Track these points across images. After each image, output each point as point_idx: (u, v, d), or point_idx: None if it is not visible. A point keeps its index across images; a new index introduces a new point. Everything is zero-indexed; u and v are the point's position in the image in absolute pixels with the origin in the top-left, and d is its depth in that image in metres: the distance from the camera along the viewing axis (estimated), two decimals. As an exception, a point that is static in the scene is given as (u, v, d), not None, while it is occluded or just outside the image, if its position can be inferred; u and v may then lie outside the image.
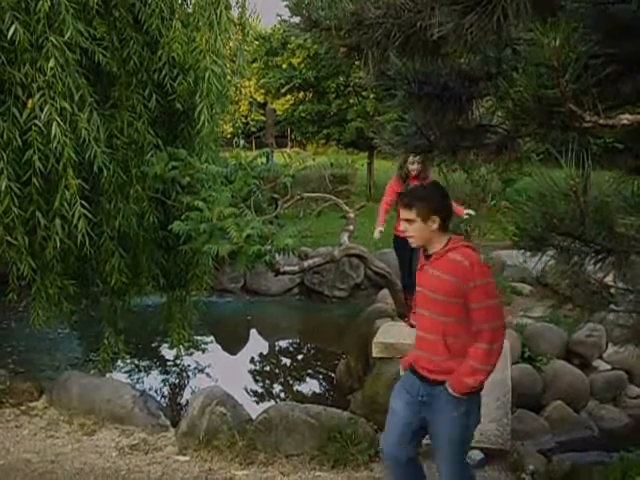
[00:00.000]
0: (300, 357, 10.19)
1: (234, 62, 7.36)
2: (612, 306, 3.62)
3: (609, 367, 7.45)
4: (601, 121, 2.29)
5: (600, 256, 2.85)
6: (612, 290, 3.53)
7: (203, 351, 9.67)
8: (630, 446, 5.18)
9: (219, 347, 10.17)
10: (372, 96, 20.12)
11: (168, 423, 5.98)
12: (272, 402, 7.60)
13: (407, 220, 3.54)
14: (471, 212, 7.84)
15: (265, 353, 10.24)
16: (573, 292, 3.54)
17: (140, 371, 8.73)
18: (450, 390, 3.48)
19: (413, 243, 3.62)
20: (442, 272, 3.47)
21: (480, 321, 3.38)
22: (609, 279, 3.38)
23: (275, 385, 8.84)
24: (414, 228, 3.53)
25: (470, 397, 3.52)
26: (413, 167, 6.92)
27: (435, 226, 3.50)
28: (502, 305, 3.55)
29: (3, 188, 5.47)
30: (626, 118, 2.30)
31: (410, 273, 6.80)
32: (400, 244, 6.99)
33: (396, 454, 3.75)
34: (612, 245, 2.75)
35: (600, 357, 7.54)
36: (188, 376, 8.78)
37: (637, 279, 3.36)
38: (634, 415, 6.99)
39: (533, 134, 2.76)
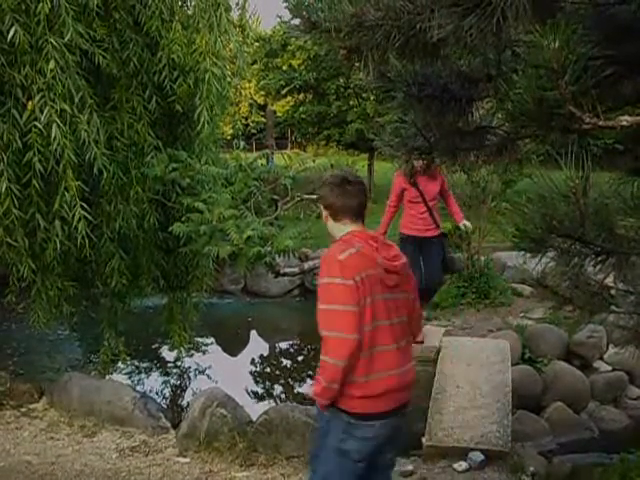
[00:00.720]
0: (300, 358, 10.19)
1: (234, 64, 7.37)
2: (613, 307, 3.61)
3: (610, 368, 7.45)
4: (601, 122, 2.29)
5: (600, 257, 2.85)
6: (612, 291, 3.52)
7: (204, 353, 9.67)
8: (631, 447, 5.17)
9: (219, 348, 10.17)
10: (372, 98, 20.13)
11: (168, 425, 5.98)
12: (272, 403, 7.60)
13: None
14: (468, 225, 7.85)
15: (265, 354, 10.25)
16: (573, 293, 3.52)
17: (141, 373, 8.73)
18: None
19: None
20: None
21: (320, 326, 3.07)
22: (609, 280, 3.38)
23: (275, 386, 8.85)
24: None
25: (329, 411, 3.15)
26: (419, 162, 6.76)
27: (329, 220, 3.30)
28: (345, 315, 2.97)
29: (3, 190, 5.46)
30: (625, 119, 2.30)
31: (421, 276, 6.68)
32: (406, 243, 6.96)
33: None
34: (612, 247, 2.75)
35: (601, 358, 7.54)
36: (189, 378, 8.79)
37: (637, 280, 3.35)
38: (634, 416, 6.99)
39: (533, 136, 2.76)
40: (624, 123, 2.29)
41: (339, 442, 3.09)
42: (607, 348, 7.55)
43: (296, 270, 7.79)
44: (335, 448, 3.10)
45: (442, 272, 7.05)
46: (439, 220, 7.29)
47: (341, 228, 3.22)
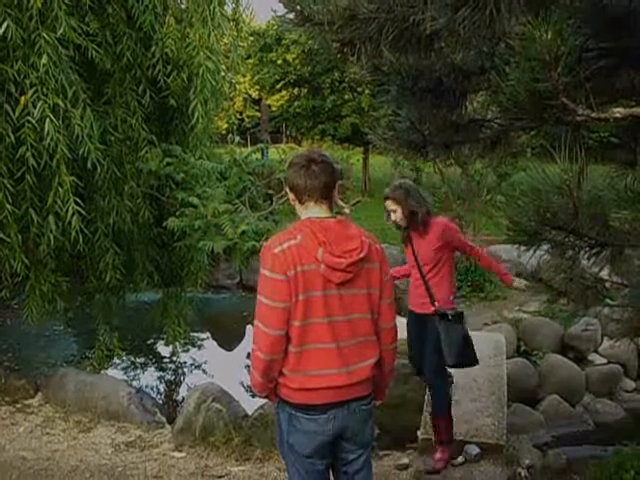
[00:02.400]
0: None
1: (228, 58, 7.35)
2: (607, 300, 3.61)
3: (604, 361, 7.47)
4: (593, 114, 2.29)
5: (594, 250, 2.85)
6: (607, 284, 3.53)
7: (199, 347, 9.67)
8: (625, 440, 5.19)
9: (215, 343, 10.17)
10: (367, 92, 20.12)
11: (164, 420, 5.98)
12: (268, 398, 7.59)
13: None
14: (519, 284, 6.14)
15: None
16: (568, 286, 3.52)
17: (136, 368, 8.72)
18: None
19: None
20: None
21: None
22: (604, 273, 3.38)
23: (271, 381, 8.84)
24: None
25: (277, 403, 3.09)
26: (396, 216, 4.86)
27: (296, 203, 3.11)
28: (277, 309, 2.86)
29: (-4, 185, 5.45)
30: (619, 111, 2.30)
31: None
32: (409, 319, 5.39)
33: None
34: (606, 239, 2.76)
35: (595, 351, 7.56)
36: (184, 373, 8.78)
37: (632, 273, 3.36)
38: (629, 409, 7.02)
39: (526, 128, 2.76)
40: (617, 115, 2.29)
41: (287, 434, 3.03)
42: (602, 341, 7.57)
43: (291, 264, 7.77)
44: (285, 441, 3.05)
45: (437, 365, 4.95)
46: (440, 293, 4.94)
47: (304, 212, 3.04)
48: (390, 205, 4.80)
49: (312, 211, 3.00)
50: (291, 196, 3.07)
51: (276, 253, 2.84)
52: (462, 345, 4.89)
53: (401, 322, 6.36)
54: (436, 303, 4.90)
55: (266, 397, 3.12)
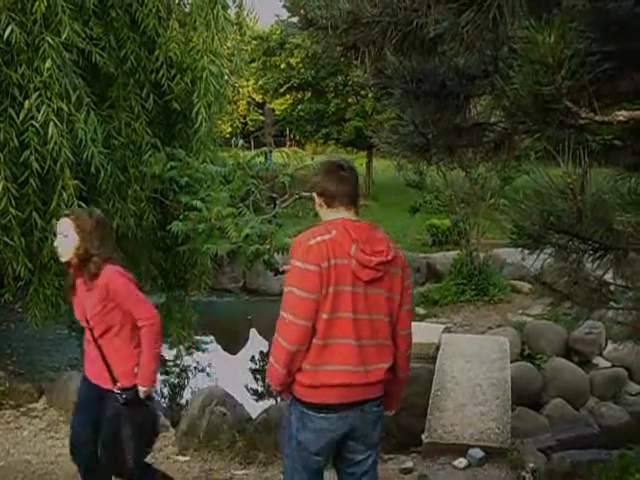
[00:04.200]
0: (300, 356, 10.17)
1: (232, 62, 7.35)
2: (611, 303, 3.61)
3: (609, 364, 7.45)
4: (597, 118, 2.28)
5: (598, 254, 2.84)
6: (611, 287, 3.52)
7: (203, 351, 9.67)
8: (630, 443, 5.17)
9: (219, 347, 10.17)
10: (370, 95, 20.12)
11: (168, 423, 5.97)
12: (272, 402, 7.59)
13: None
14: None
15: (265, 352, 10.23)
16: (572, 290, 3.51)
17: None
18: None
19: None
20: None
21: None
22: (608, 277, 3.38)
23: (275, 385, 8.83)
24: None
25: (290, 399, 3.09)
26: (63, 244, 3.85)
27: (323, 207, 3.17)
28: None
29: (0, 189, 5.45)
30: (622, 115, 2.30)
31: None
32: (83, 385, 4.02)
33: None
34: (610, 242, 2.75)
35: (600, 354, 7.54)
36: (188, 376, 8.79)
37: (636, 276, 3.35)
38: (634, 412, 6.99)
39: (530, 131, 2.75)
40: (620, 118, 2.29)
41: (296, 431, 3.03)
42: (606, 344, 7.55)
43: (295, 268, 7.76)
44: (294, 437, 3.05)
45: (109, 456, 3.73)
46: (121, 369, 3.70)
47: (334, 215, 3.06)
48: (63, 226, 3.71)
49: (343, 215, 3.05)
50: (319, 200, 3.10)
51: (311, 245, 2.90)
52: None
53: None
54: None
55: (280, 393, 3.13)
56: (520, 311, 8.47)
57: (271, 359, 3.00)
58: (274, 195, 7.60)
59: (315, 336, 2.90)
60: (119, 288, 3.68)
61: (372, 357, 3.00)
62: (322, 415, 2.97)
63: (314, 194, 3.15)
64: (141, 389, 3.71)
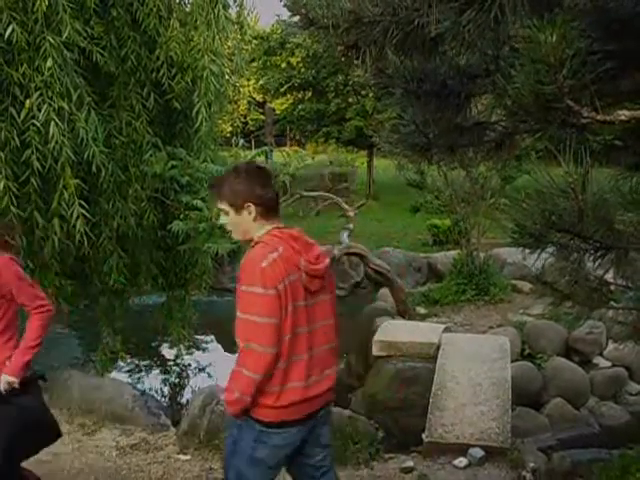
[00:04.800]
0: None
1: (232, 61, 7.36)
2: (612, 303, 3.61)
3: (609, 364, 7.44)
4: (599, 117, 2.28)
5: (599, 253, 2.84)
6: (612, 287, 3.52)
7: (203, 350, 9.67)
8: (631, 443, 5.17)
9: (219, 346, 10.17)
10: (371, 95, 20.12)
11: (169, 422, 5.98)
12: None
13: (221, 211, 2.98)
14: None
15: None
16: (573, 289, 3.50)
17: (140, 371, 8.73)
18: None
19: (233, 239, 3.11)
20: None
21: (236, 334, 2.90)
22: (609, 276, 3.37)
23: (275, 384, 8.84)
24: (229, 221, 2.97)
25: (242, 419, 2.91)
26: None
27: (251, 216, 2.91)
28: (266, 325, 2.78)
29: (1, 188, 5.46)
30: (624, 114, 2.30)
31: None
32: None
33: None
34: (611, 242, 2.75)
35: (600, 354, 7.54)
36: (188, 375, 8.79)
37: (637, 276, 3.35)
38: (634, 412, 6.99)
39: (531, 131, 2.75)
40: (622, 118, 2.29)
41: (251, 450, 2.91)
42: (607, 344, 7.55)
43: (295, 267, 7.78)
44: (248, 456, 2.93)
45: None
46: None
47: (261, 226, 2.89)
48: None
49: (270, 224, 2.90)
50: (254, 214, 2.87)
51: (264, 267, 2.73)
52: None
53: (398, 324, 6.34)
54: None
55: (237, 417, 2.94)
56: (521, 311, 8.45)
57: (238, 392, 2.82)
58: (275, 194, 7.61)
59: (279, 359, 2.80)
60: (10, 277, 3.75)
61: (325, 363, 2.99)
62: (282, 431, 2.90)
63: (248, 205, 2.87)
64: (4, 377, 3.62)
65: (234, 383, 2.84)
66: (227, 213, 2.91)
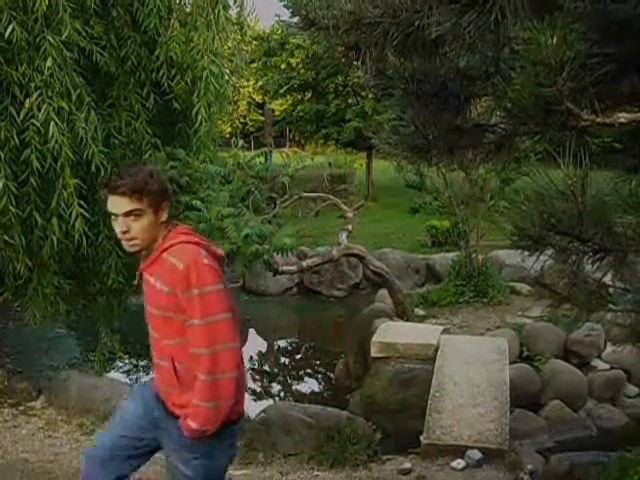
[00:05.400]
0: (299, 357, 10.19)
1: (232, 62, 7.35)
2: (610, 306, 3.61)
3: (607, 366, 7.45)
4: (598, 119, 2.29)
5: (598, 255, 2.85)
6: (610, 289, 3.52)
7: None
8: (629, 446, 5.17)
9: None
10: (370, 96, 20.12)
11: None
12: (271, 402, 7.59)
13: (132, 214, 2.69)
14: None
15: (264, 352, 10.24)
16: (571, 292, 3.51)
17: (138, 371, 8.72)
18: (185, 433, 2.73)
19: (135, 247, 2.77)
20: (158, 279, 2.73)
21: (196, 343, 2.64)
22: (607, 278, 3.38)
23: (274, 384, 8.84)
24: (142, 225, 2.71)
25: (212, 436, 2.72)
26: None
27: (165, 217, 2.78)
28: (232, 322, 2.71)
29: (0, 187, 5.45)
30: (623, 116, 2.30)
31: None
32: None
33: (99, 465, 3.01)
34: (610, 244, 2.75)
35: (598, 356, 7.54)
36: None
37: (635, 278, 3.36)
38: (633, 414, 6.99)
39: (531, 133, 2.76)
40: (622, 120, 2.29)
41: (227, 459, 2.96)
42: (605, 346, 7.55)
43: (294, 268, 7.80)
44: (220, 465, 2.92)
45: None
46: None
47: (165, 226, 2.77)
48: None
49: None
50: (166, 210, 2.77)
51: (208, 263, 2.67)
52: None
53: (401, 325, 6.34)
54: None
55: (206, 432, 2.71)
56: (519, 313, 8.46)
57: (224, 400, 2.66)
58: (274, 195, 7.62)
59: None
60: None
61: None
62: (236, 427, 2.90)
63: (165, 204, 2.76)
64: None
65: (209, 393, 2.64)
66: (140, 215, 2.68)
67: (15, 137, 5.51)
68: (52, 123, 5.42)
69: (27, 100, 5.50)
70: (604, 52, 2.58)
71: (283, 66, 22.97)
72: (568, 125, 2.40)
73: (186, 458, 2.79)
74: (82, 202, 5.74)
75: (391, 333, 6.93)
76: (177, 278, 2.62)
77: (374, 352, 6.70)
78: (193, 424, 2.64)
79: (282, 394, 8.40)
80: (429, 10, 2.44)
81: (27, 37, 5.39)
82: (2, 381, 6.60)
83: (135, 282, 2.99)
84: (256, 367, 9.45)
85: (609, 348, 7.47)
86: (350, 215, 8.52)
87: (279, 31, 23.33)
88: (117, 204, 2.67)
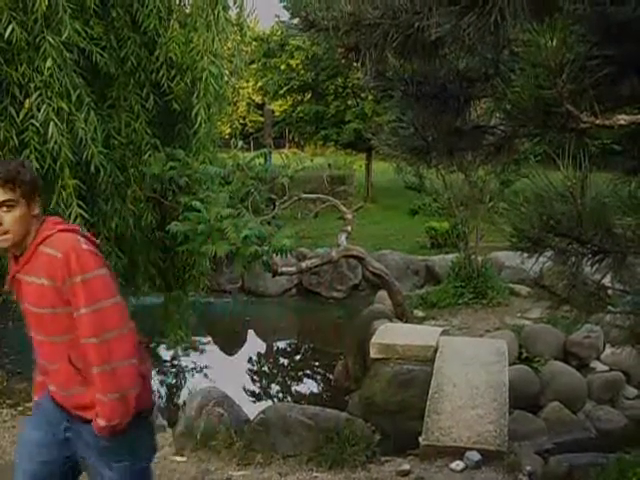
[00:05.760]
0: (298, 358, 10.19)
1: (232, 63, 7.35)
2: (610, 307, 3.61)
3: (606, 368, 7.45)
4: (598, 121, 2.29)
5: (597, 257, 2.85)
6: (609, 291, 3.52)
7: (201, 352, 9.67)
8: (628, 447, 5.18)
9: (217, 348, 10.17)
10: (370, 97, 20.13)
11: (165, 423, 5.97)
12: (270, 403, 7.59)
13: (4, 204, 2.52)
14: None
15: (263, 353, 10.25)
16: (570, 293, 3.51)
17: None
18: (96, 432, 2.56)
19: (6, 242, 2.56)
20: (36, 275, 2.55)
21: (85, 333, 2.49)
22: (607, 280, 3.38)
23: (273, 386, 8.85)
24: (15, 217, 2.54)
25: (130, 431, 2.57)
26: None
27: (37, 210, 2.62)
28: (120, 306, 2.60)
29: None
30: (623, 118, 2.30)
31: None
32: None
33: None
34: (609, 246, 2.75)
35: (597, 358, 7.54)
36: (185, 376, 8.78)
37: (634, 280, 3.36)
38: (631, 416, 7.00)
39: (530, 135, 2.76)
40: (622, 122, 2.30)
41: (152, 450, 2.86)
42: (604, 348, 7.55)
43: (294, 269, 7.80)
44: (146, 458, 2.80)
45: None
46: None
47: (36, 218, 2.62)
48: None
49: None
50: (36, 198, 2.61)
51: (88, 249, 2.56)
52: None
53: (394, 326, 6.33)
54: None
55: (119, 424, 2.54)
56: (518, 314, 8.46)
57: (131, 389, 2.53)
58: (273, 196, 7.62)
59: None
60: None
61: None
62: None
63: (38, 195, 2.64)
64: None
65: (109, 385, 2.48)
66: (14, 206, 2.52)
67: (14, 137, 5.51)
68: (51, 123, 5.42)
69: (27, 100, 5.51)
70: (604, 54, 2.58)
71: (283, 67, 22.96)
72: (567, 127, 2.41)
73: (110, 462, 2.63)
74: (81, 203, 5.74)
75: (390, 334, 6.93)
76: (57, 267, 2.48)
77: (373, 353, 6.70)
78: (101, 421, 2.49)
79: (281, 395, 8.41)
80: (429, 12, 2.44)
81: (27, 37, 5.40)
82: (1, 382, 6.60)
83: (5, 288, 2.79)
84: (255, 368, 9.45)
85: (608, 350, 7.47)
86: (349, 216, 8.52)
87: (279, 32, 23.32)
88: None
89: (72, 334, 2.54)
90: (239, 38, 7.38)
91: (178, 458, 5.33)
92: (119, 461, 2.63)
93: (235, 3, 7.06)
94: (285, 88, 22.87)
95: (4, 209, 2.51)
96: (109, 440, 2.54)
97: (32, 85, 5.46)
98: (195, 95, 6.38)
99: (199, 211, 6.20)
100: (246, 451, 5.30)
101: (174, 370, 8.95)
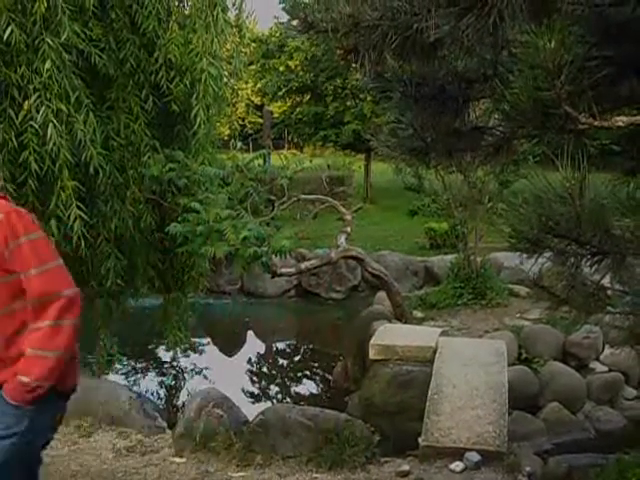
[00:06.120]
0: (297, 359, 10.19)
1: (231, 64, 7.36)
2: (609, 308, 3.61)
3: (606, 369, 7.45)
4: (596, 123, 2.29)
5: (596, 258, 2.85)
6: (608, 292, 3.53)
7: (200, 353, 9.67)
8: (627, 448, 5.18)
9: (216, 349, 10.17)
10: (369, 99, 20.13)
11: (165, 425, 5.97)
12: (269, 404, 7.59)
13: None
14: None
15: (262, 355, 10.24)
16: (570, 294, 3.51)
17: (137, 373, 8.73)
18: (9, 399, 2.42)
19: None
20: None
21: (39, 292, 2.45)
22: (606, 281, 3.38)
23: (272, 387, 8.85)
24: None
25: (37, 405, 2.44)
26: None
27: None
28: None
29: (-1, 189, 5.45)
30: (621, 120, 2.31)
31: None
32: None
33: None
34: (608, 247, 2.76)
35: (597, 359, 7.55)
36: (185, 378, 8.78)
37: (633, 281, 3.36)
38: (631, 417, 7.00)
39: (529, 136, 2.76)
40: (620, 124, 2.30)
41: (50, 429, 2.68)
42: (603, 349, 7.56)
43: (293, 270, 7.80)
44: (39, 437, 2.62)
45: None
46: None
47: None
48: None
49: None
50: None
51: (26, 213, 2.58)
52: None
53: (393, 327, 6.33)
54: None
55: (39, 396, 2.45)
56: (517, 315, 8.46)
57: (63, 349, 2.48)
58: (272, 197, 7.62)
59: None
60: None
61: None
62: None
63: None
64: None
65: (49, 342, 2.43)
66: None
67: (13, 139, 5.51)
68: (50, 125, 5.42)
69: (26, 102, 5.50)
70: (602, 55, 2.59)
71: (282, 68, 22.96)
72: (566, 128, 2.41)
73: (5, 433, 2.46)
74: (80, 204, 5.74)
75: (389, 335, 6.93)
76: (0, 229, 2.45)
77: (372, 354, 6.70)
78: (25, 378, 2.39)
79: (280, 396, 8.40)
80: (427, 13, 2.44)
81: (26, 39, 5.40)
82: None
83: None
84: (254, 369, 9.45)
85: (607, 350, 7.48)
86: (348, 217, 8.52)
87: (278, 33, 23.33)
88: None
89: (6, 307, 2.48)
90: (238, 39, 7.39)
91: (177, 459, 5.33)
92: (8, 437, 2.46)
93: (234, 4, 7.07)
94: (284, 89, 22.87)
95: None
96: (18, 409, 2.42)
97: (31, 87, 5.46)
98: (194, 96, 6.38)
99: (198, 212, 6.20)
100: (245, 452, 5.30)
101: (173, 371, 8.95)
